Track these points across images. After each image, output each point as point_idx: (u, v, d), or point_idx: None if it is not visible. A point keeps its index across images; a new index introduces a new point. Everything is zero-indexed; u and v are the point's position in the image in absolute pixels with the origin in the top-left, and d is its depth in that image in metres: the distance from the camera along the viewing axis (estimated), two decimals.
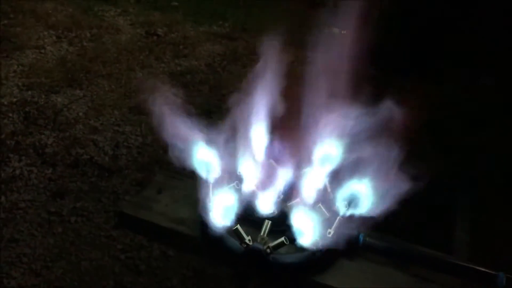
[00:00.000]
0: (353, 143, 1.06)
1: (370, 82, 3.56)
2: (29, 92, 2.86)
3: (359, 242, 1.03)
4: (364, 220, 1.02)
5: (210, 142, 1.23)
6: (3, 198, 2.11)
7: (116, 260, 1.86)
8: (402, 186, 0.96)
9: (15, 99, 2.78)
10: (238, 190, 1.13)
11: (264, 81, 1.27)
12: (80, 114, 2.70)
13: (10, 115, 2.64)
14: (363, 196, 1.03)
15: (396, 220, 1.00)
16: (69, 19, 3.84)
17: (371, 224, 1.02)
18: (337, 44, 1.34)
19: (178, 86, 3.11)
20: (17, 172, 2.25)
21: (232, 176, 1.17)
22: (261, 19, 4.10)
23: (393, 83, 3.40)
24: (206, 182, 1.10)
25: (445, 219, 1.36)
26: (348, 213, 1.04)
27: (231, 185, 1.12)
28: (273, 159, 1.16)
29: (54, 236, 1.96)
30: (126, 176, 2.27)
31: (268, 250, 1.01)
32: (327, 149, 1.11)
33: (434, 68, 3.53)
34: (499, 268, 1.00)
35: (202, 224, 1.05)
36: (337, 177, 1.09)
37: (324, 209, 1.05)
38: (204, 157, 1.18)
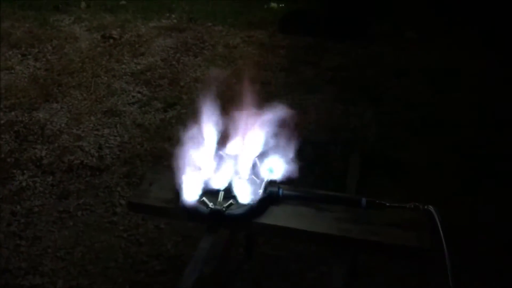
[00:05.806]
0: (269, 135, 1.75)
1: (308, 50, 4.33)
2: (13, 113, 3.47)
3: (280, 194, 1.73)
4: (280, 180, 1.74)
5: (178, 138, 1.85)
6: (18, 207, 2.76)
7: (121, 238, 2.56)
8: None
9: (2, 121, 3.39)
10: (201, 175, 1.78)
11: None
12: (63, 125, 3.34)
13: (3, 136, 3.26)
14: (278, 166, 1.74)
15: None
16: (29, 35, 4.41)
17: (285, 181, 1.73)
18: None
19: (141, 84, 3.79)
20: (24, 184, 2.91)
21: (196, 166, 1.80)
22: (205, 8, 4.72)
23: (328, 48, 4.13)
24: (181, 172, 1.75)
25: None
26: (270, 178, 1.74)
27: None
28: (223, 151, 1.83)
29: (67, 229, 2.63)
30: (114, 172, 2.95)
31: (224, 209, 1.70)
32: (255, 140, 1.78)
33: (364, 31, 4.26)
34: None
35: (181, 200, 1.72)
36: (261, 156, 1.78)
37: (255, 178, 1.74)
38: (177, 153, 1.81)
